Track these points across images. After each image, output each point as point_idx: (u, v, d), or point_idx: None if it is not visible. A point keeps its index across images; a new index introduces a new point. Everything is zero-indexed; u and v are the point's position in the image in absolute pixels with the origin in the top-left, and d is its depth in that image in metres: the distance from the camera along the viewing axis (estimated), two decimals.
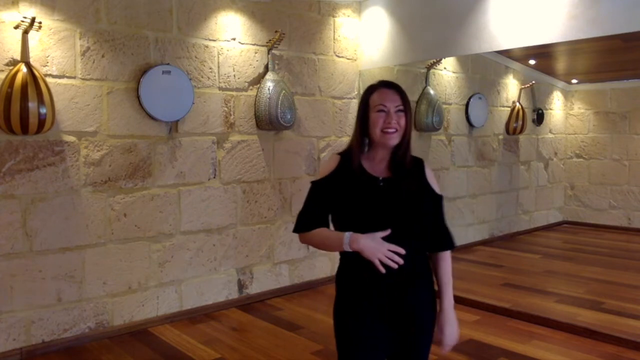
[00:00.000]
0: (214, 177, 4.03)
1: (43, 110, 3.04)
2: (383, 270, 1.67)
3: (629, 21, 3.18)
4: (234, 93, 4.10)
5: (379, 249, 1.67)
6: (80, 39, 3.37)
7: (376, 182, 1.77)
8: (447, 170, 5.75)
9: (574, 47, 4.77)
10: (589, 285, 4.67)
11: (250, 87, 4.19)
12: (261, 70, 4.23)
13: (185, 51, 3.82)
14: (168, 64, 3.68)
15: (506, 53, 5.83)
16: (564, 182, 7.49)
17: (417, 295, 1.80)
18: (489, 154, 6.28)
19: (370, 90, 1.81)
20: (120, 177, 3.57)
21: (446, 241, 1.87)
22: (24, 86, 2.98)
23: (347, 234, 1.69)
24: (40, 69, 3.17)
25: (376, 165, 1.81)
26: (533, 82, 6.59)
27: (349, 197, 1.76)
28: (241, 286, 4.23)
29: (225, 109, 4.06)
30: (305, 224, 1.81)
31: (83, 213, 3.43)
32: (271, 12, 4.27)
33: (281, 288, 4.46)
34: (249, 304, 4.21)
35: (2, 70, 3.08)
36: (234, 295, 4.19)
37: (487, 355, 3.26)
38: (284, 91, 4.15)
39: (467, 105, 5.88)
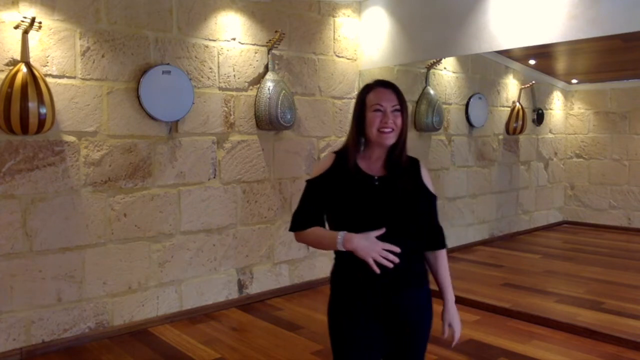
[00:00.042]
0: (214, 177, 4.03)
1: (43, 110, 3.04)
2: (377, 270, 1.67)
3: (629, 21, 3.18)
4: (234, 93, 4.10)
5: (373, 248, 1.66)
6: (80, 39, 3.37)
7: (371, 181, 1.77)
8: (447, 170, 5.75)
9: (574, 47, 4.77)
10: (589, 285, 4.67)
11: (250, 87, 4.19)
12: (261, 70, 4.23)
13: (185, 51, 3.82)
14: (168, 64, 3.68)
15: (506, 53, 5.83)
16: (564, 182, 7.50)
17: (413, 295, 1.80)
18: (489, 154, 6.28)
19: (367, 89, 1.81)
20: (120, 177, 3.57)
21: (441, 240, 1.89)
22: (24, 86, 2.98)
23: (341, 233, 1.69)
24: (40, 69, 3.17)
25: (372, 164, 1.81)
26: (533, 82, 6.59)
27: (343, 195, 1.75)
28: (241, 286, 4.23)
29: (225, 109, 4.06)
30: (300, 222, 1.81)
31: (83, 213, 3.43)
32: (271, 12, 4.27)
33: (281, 288, 4.46)
34: (249, 304, 4.21)
35: (2, 70, 3.08)
36: (234, 295, 4.19)
37: (487, 355, 3.26)
38: (284, 91, 4.15)
39: (467, 105, 5.88)
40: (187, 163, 3.88)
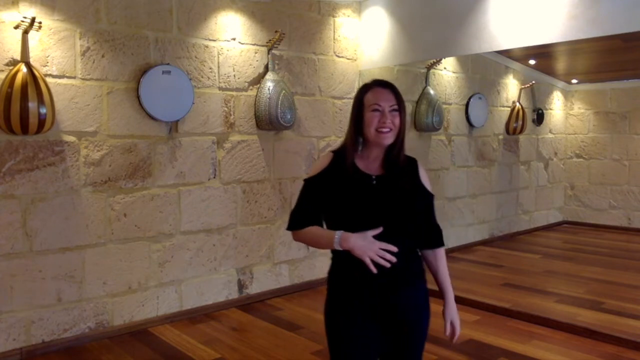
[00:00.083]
0: (214, 177, 4.03)
1: (43, 110, 3.04)
2: (374, 269, 1.66)
3: (629, 21, 3.18)
4: (234, 93, 4.10)
5: (370, 247, 1.66)
6: (80, 39, 3.37)
7: (369, 180, 1.77)
8: (447, 170, 5.75)
9: (574, 47, 4.78)
10: (589, 285, 4.67)
11: (250, 87, 4.19)
12: (261, 70, 4.23)
13: (185, 51, 3.82)
14: (168, 64, 3.68)
15: (506, 53, 5.83)
16: (564, 182, 7.50)
17: (411, 295, 1.80)
18: (489, 154, 6.28)
19: (365, 89, 1.82)
20: (120, 177, 3.57)
21: (440, 238, 1.90)
22: (24, 86, 2.98)
23: (338, 233, 1.69)
24: (40, 69, 3.17)
25: (370, 163, 1.81)
26: (533, 82, 6.59)
27: (341, 194, 1.76)
28: (241, 286, 4.23)
29: (225, 109, 4.06)
30: (297, 221, 1.81)
31: (83, 213, 3.43)
32: (271, 12, 4.27)
33: (281, 288, 4.46)
34: (249, 304, 4.21)
35: (2, 70, 3.08)
36: (234, 295, 4.19)
37: (487, 355, 3.26)
38: (284, 91, 4.15)
39: (467, 105, 5.88)
40: (187, 163, 3.88)
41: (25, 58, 3.06)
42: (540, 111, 6.86)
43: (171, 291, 3.87)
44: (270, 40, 4.20)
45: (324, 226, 1.82)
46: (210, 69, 3.96)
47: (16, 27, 3.06)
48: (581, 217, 7.38)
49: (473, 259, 5.60)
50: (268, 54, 4.23)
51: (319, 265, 4.69)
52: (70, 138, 3.37)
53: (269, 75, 4.19)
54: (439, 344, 3.25)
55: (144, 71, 3.60)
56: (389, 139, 1.76)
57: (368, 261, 1.66)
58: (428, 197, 1.85)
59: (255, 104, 4.19)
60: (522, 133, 6.52)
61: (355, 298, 1.76)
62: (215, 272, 4.08)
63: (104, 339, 3.52)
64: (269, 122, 4.14)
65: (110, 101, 3.51)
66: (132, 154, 3.62)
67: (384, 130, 1.74)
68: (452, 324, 1.88)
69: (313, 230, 1.78)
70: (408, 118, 5.28)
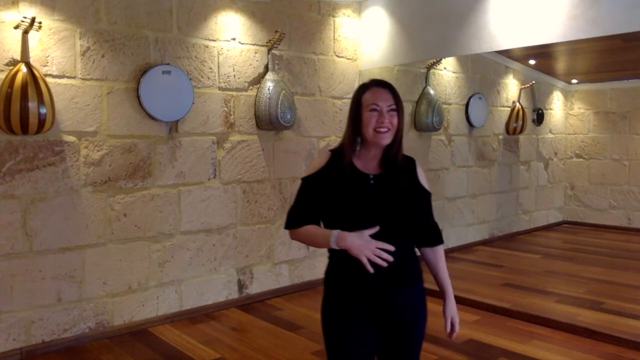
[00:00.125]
0: (214, 177, 4.03)
1: (43, 110, 3.04)
2: (371, 269, 1.66)
3: (629, 21, 3.18)
4: (234, 93, 4.10)
5: (367, 246, 1.66)
6: (80, 39, 3.37)
7: (367, 180, 1.77)
8: (447, 170, 5.75)
9: (574, 47, 4.78)
10: (589, 285, 4.67)
11: (250, 87, 4.19)
12: (261, 70, 4.23)
13: (185, 51, 3.82)
14: (168, 64, 3.68)
15: (506, 53, 5.83)
16: (564, 182, 7.50)
17: (408, 294, 1.80)
18: (489, 154, 6.28)
19: (363, 89, 1.81)
20: (120, 177, 3.57)
21: (439, 236, 1.91)
22: (24, 86, 2.98)
23: (335, 232, 1.69)
24: (40, 69, 3.17)
25: (368, 163, 1.81)
26: (533, 82, 6.59)
27: (338, 193, 1.76)
28: (241, 286, 4.24)
29: (225, 109, 4.06)
30: (294, 220, 1.81)
31: (83, 213, 3.43)
32: (271, 12, 4.27)
33: (281, 288, 4.46)
34: (249, 304, 4.21)
35: (2, 70, 3.08)
36: (234, 295, 4.19)
37: (487, 355, 3.26)
38: (284, 91, 4.15)
39: (467, 105, 5.88)
40: (187, 163, 3.88)
41: (25, 58, 3.06)
42: (540, 111, 6.86)
43: (171, 291, 3.87)
44: (270, 40, 4.20)
45: (322, 225, 1.82)
46: (210, 69, 3.96)
47: (16, 27, 3.06)
48: (581, 217, 7.38)
49: (473, 259, 5.60)
50: (268, 54, 4.23)
51: (319, 265, 4.69)
52: (70, 138, 3.37)
53: (269, 75, 4.19)
54: (439, 343, 3.25)
55: (144, 71, 3.60)
56: (387, 138, 1.76)
57: (365, 260, 1.65)
58: (426, 196, 1.85)
59: (255, 104, 4.19)
60: (522, 133, 6.53)
61: (352, 297, 1.76)
62: (215, 272, 4.08)
63: (104, 339, 3.52)
64: (269, 122, 4.14)
65: (110, 101, 3.51)
66: (132, 154, 3.62)
67: (382, 130, 1.74)
68: (452, 321, 1.89)
69: (310, 229, 1.78)
70: (408, 118, 5.31)
